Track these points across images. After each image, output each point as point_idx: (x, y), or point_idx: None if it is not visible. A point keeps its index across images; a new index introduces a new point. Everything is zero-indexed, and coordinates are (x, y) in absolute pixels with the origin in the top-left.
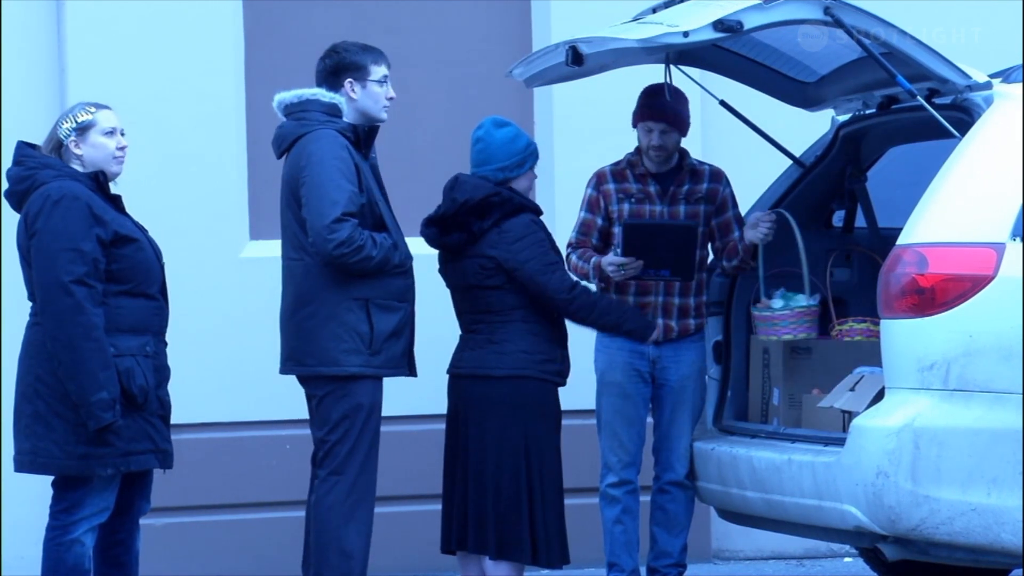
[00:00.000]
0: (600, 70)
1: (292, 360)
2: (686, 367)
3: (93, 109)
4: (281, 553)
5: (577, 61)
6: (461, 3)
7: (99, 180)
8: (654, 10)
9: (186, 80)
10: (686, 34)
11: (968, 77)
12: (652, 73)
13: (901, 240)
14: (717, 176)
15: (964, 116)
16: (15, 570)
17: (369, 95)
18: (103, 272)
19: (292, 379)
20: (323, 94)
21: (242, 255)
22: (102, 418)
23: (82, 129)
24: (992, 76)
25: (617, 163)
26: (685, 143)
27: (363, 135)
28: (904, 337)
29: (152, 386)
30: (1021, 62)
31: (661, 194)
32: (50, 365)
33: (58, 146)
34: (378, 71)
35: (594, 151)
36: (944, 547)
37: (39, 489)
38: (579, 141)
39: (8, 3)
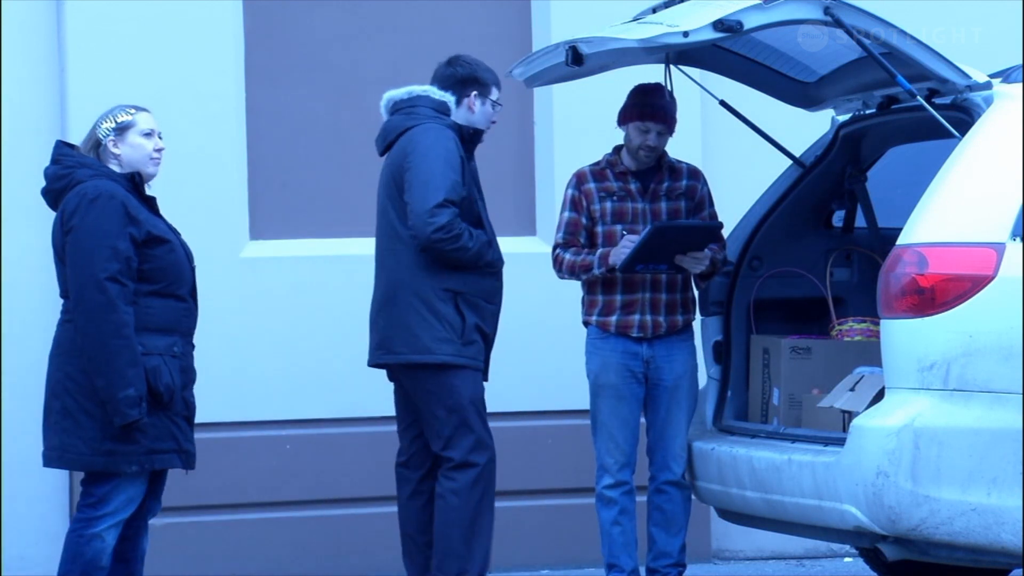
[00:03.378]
0: (600, 70)
1: (382, 349)
2: (679, 365)
3: (132, 111)
4: (281, 553)
5: (577, 61)
6: (461, 3)
7: (135, 181)
8: (654, 10)
9: (186, 80)
10: (686, 34)
11: (968, 77)
12: (652, 73)
13: (901, 240)
14: (695, 174)
15: (964, 116)
16: (15, 570)
17: (484, 113)
18: (135, 271)
19: (292, 380)
20: (434, 91)
21: (242, 255)
22: (128, 414)
23: (121, 129)
24: (992, 76)
25: (596, 163)
26: (685, 141)
27: (468, 136)
28: (904, 337)
29: (178, 386)
30: (1021, 62)
31: (642, 191)
32: (79, 363)
33: (96, 145)
34: (496, 93)
35: (594, 151)
36: (944, 547)
37: (39, 489)
38: (579, 141)
39: (8, 3)
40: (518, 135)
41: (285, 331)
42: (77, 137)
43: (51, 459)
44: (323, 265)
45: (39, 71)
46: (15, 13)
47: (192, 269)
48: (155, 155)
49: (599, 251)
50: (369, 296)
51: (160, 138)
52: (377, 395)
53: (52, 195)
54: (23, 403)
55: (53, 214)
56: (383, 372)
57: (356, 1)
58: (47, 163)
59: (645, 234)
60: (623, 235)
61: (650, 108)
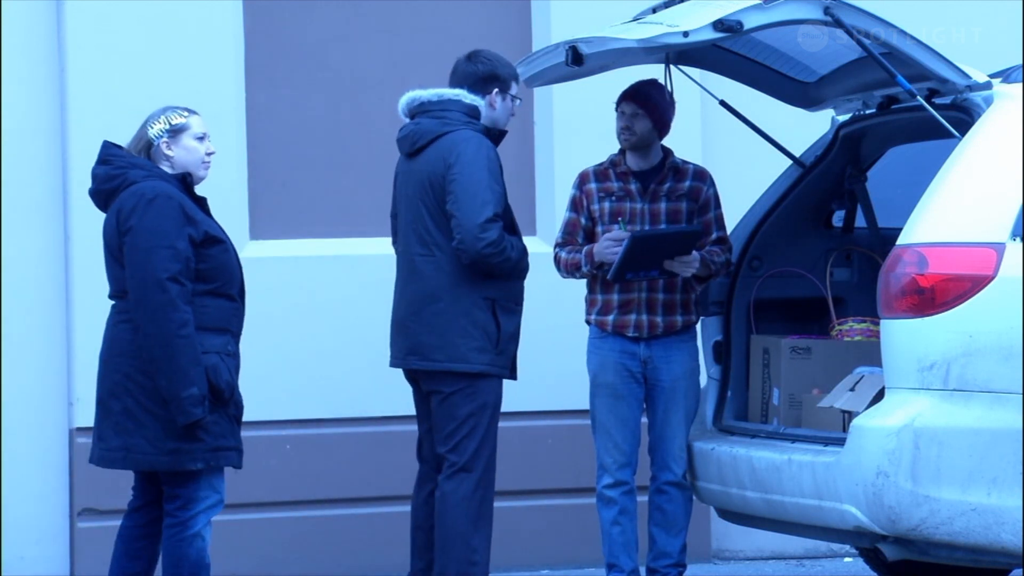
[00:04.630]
0: (600, 70)
1: (416, 355)
2: (677, 367)
3: (186, 113)
4: (281, 553)
5: (577, 61)
6: (461, 3)
7: (186, 182)
8: (654, 10)
9: (186, 80)
10: (686, 34)
11: (968, 77)
12: (652, 73)
13: (901, 240)
14: (701, 175)
15: (964, 116)
16: (15, 570)
17: (505, 108)
18: (193, 271)
19: (292, 380)
20: (465, 95)
21: (242, 255)
22: (192, 413)
23: (175, 131)
24: (992, 76)
25: (601, 163)
26: (685, 141)
27: (495, 137)
28: (904, 337)
29: (236, 384)
30: (1021, 62)
31: (642, 191)
32: (137, 362)
33: (147, 147)
34: (515, 88)
35: (594, 151)
36: (944, 547)
37: (39, 489)
38: (579, 141)
39: (8, 3)
40: (518, 135)
41: (285, 331)
42: (77, 137)
43: (114, 460)
44: (323, 265)
45: (39, 71)
46: (15, 13)
47: (241, 269)
48: (207, 159)
49: (585, 248)
50: (370, 296)
51: (210, 142)
52: (378, 395)
53: (102, 195)
54: (23, 403)
55: (53, 214)
56: (383, 373)
57: (356, 1)
58: (47, 163)
59: (625, 246)
60: (613, 232)
61: (630, 90)
